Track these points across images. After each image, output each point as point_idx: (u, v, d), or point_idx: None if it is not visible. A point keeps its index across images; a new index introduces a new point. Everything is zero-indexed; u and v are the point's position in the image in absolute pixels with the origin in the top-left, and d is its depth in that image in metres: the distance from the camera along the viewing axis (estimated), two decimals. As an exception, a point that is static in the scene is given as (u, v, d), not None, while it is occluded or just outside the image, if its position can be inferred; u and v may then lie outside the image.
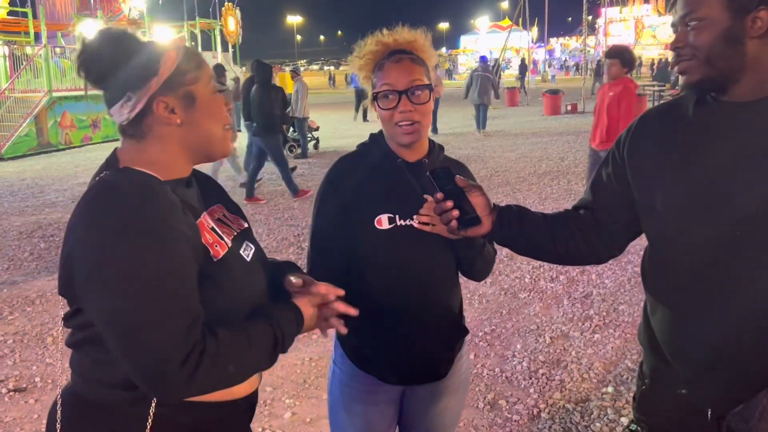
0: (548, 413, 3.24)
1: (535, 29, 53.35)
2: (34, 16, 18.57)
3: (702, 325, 1.35)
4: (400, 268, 1.67)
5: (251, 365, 1.25)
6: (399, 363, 1.74)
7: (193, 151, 1.29)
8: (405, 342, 1.71)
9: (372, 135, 1.77)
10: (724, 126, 1.33)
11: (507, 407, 3.30)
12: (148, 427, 1.18)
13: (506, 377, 3.62)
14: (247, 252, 1.34)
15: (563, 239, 1.56)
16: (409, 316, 1.69)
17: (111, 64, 1.20)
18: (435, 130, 15.16)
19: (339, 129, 17.52)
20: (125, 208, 1.11)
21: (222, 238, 1.27)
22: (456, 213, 1.45)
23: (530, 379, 3.59)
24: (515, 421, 3.18)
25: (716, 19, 1.27)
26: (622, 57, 6.02)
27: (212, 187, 1.47)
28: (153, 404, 1.18)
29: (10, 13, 21.17)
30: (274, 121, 8.38)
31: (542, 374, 3.63)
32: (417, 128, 1.63)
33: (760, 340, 1.29)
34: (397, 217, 1.64)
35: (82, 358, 1.24)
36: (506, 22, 40.34)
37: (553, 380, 3.57)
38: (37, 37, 18.15)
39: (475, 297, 4.87)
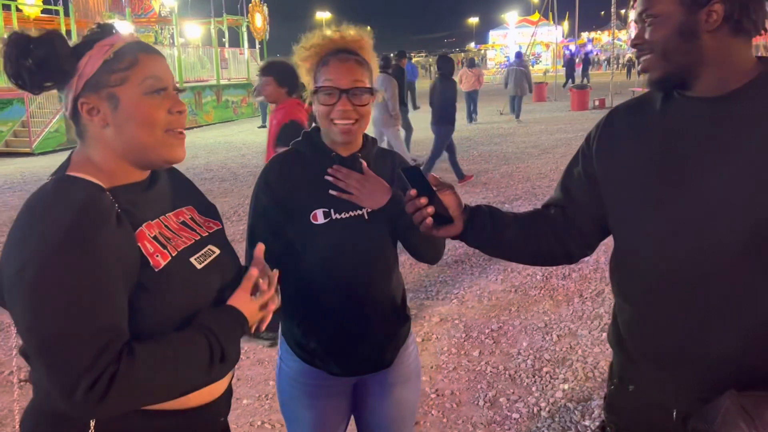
0: (548, 412, 3.21)
1: (565, 23, 52.68)
2: (66, 14, 18.97)
3: (667, 325, 1.33)
4: (337, 261, 1.69)
5: (182, 381, 1.18)
6: (342, 354, 1.76)
7: (129, 156, 1.24)
8: (346, 333, 1.74)
9: (305, 132, 1.79)
10: (689, 123, 1.30)
11: (507, 405, 3.28)
12: None
13: (509, 375, 3.59)
14: (203, 258, 1.30)
15: (536, 239, 1.54)
16: (348, 307, 1.72)
17: (33, 66, 1.18)
18: (471, 119, 16.51)
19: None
20: (48, 221, 1.10)
21: (165, 248, 1.22)
22: (431, 210, 1.41)
23: (533, 377, 3.56)
24: (514, 419, 3.16)
25: (670, 14, 1.25)
26: (276, 74, 4.29)
27: (186, 187, 1.45)
28: (92, 424, 1.16)
29: (44, 11, 21.65)
30: (451, 112, 8.91)
31: (546, 372, 3.60)
32: (353, 128, 1.65)
33: (723, 340, 1.26)
34: (332, 211, 1.67)
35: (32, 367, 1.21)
36: (536, 16, 39.85)
37: (557, 378, 3.53)
38: (69, 34, 18.51)
39: (484, 294, 4.85)
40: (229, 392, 1.41)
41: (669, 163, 1.31)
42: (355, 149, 1.74)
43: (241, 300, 1.30)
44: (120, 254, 1.12)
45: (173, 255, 1.22)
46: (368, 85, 1.66)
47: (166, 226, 1.28)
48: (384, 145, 10.16)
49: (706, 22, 1.22)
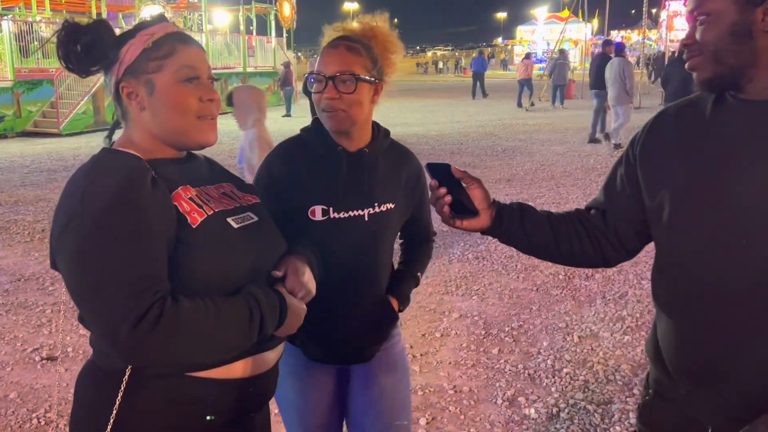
0: (568, 413, 3.17)
1: (595, 21, 51.95)
2: (97, -3, 19.15)
3: (703, 340, 1.28)
4: (330, 258, 1.64)
5: (222, 341, 1.23)
6: (325, 344, 1.75)
7: (164, 137, 1.33)
8: (330, 325, 1.71)
9: (315, 119, 1.72)
10: (739, 127, 1.23)
11: (526, 405, 3.25)
12: (121, 391, 1.22)
13: (529, 374, 3.56)
14: (241, 222, 1.37)
15: (567, 240, 1.49)
16: (335, 303, 1.69)
17: (81, 52, 1.30)
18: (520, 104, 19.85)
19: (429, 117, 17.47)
20: (87, 183, 1.20)
21: (201, 207, 1.29)
22: (449, 199, 1.42)
23: (553, 377, 3.52)
24: (533, 419, 3.13)
25: (723, 13, 1.18)
26: None
27: (224, 171, 1.54)
28: (127, 372, 1.22)
29: (76, -6, 21.86)
30: (687, 91, 9.87)
31: (566, 373, 3.56)
32: (341, 117, 1.59)
33: (761, 360, 1.21)
34: (331, 209, 1.63)
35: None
36: (565, 13, 39.30)
37: (577, 380, 3.49)
38: (99, 17, 18.67)
39: (505, 291, 4.81)
40: (275, 371, 1.45)
41: (714, 169, 1.25)
42: (362, 143, 1.68)
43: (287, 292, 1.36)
44: (156, 212, 1.19)
45: (209, 213, 1.29)
46: (358, 73, 1.57)
47: (206, 193, 1.35)
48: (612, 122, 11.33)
49: (762, 21, 1.15)
